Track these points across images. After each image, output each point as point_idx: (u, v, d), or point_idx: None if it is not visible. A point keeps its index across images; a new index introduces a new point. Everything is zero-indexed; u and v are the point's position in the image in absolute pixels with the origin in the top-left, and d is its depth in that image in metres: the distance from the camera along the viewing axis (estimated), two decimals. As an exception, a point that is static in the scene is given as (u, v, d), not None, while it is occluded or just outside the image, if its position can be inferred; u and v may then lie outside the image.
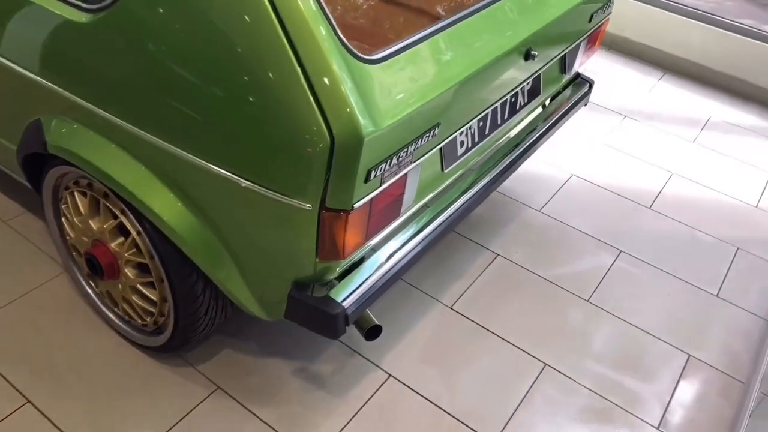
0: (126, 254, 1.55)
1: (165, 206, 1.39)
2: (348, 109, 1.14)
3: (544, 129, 2.07)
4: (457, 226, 1.94)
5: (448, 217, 1.68)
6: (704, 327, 2.07)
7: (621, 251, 2.31)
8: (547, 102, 2.15)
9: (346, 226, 1.26)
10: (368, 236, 1.37)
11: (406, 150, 1.29)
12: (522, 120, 1.96)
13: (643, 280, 2.20)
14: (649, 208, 2.54)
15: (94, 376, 1.70)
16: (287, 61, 1.13)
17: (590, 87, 2.28)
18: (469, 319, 1.98)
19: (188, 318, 1.55)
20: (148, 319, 1.66)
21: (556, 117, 2.12)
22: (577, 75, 2.28)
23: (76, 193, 1.59)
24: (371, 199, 1.29)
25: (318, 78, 1.14)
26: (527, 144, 1.98)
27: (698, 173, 2.78)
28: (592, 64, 3.49)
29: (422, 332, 1.93)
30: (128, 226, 1.50)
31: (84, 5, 1.32)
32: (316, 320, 1.40)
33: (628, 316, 2.06)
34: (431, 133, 1.36)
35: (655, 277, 2.22)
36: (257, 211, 1.30)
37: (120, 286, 1.65)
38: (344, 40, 1.19)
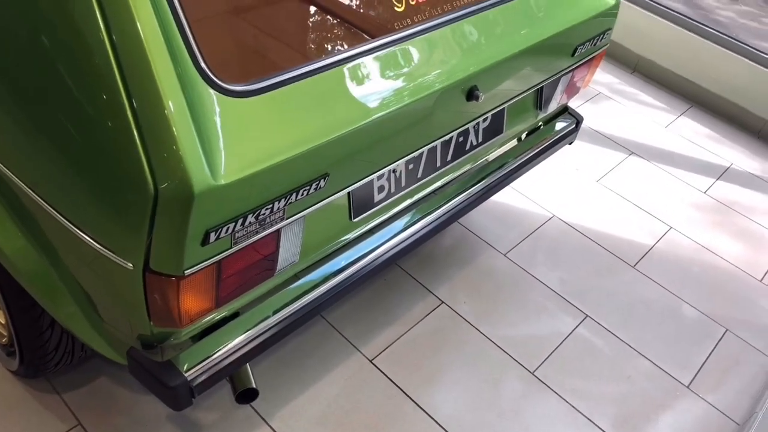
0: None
1: (3, 233, 1.18)
2: (178, 154, 0.90)
3: (513, 167, 1.79)
4: (381, 271, 1.68)
5: (364, 267, 1.43)
6: (663, 425, 1.78)
7: (586, 316, 2.02)
8: (524, 136, 1.86)
9: (179, 293, 1.02)
10: (221, 302, 1.13)
11: (270, 207, 1.04)
12: (482, 158, 1.68)
13: (603, 355, 1.92)
14: (633, 266, 2.23)
15: (-54, 391, 1.52)
16: (110, 80, 0.89)
17: (577, 125, 1.97)
18: (388, 378, 1.74)
19: (34, 351, 1.35)
20: (3, 340, 1.46)
21: (530, 155, 1.84)
22: (565, 109, 1.98)
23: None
24: (219, 262, 1.05)
25: (146, 108, 0.89)
26: (493, 180, 1.70)
27: (701, 231, 2.44)
28: (606, 86, 3.14)
29: (329, 387, 1.69)
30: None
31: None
32: (156, 388, 1.17)
33: (574, 399, 1.78)
34: (314, 186, 1.10)
35: (620, 353, 1.93)
36: (87, 257, 1.07)
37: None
38: (200, 61, 0.94)
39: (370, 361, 1.77)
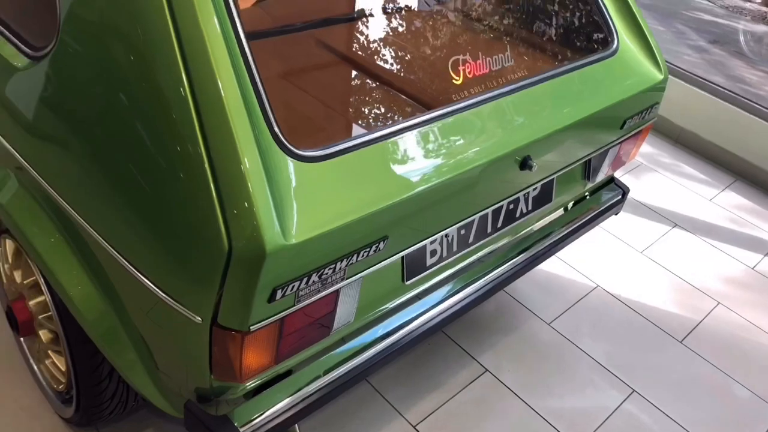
0: (40, 316, 1.41)
1: (72, 279, 1.24)
2: (253, 214, 0.95)
3: (560, 236, 1.81)
4: (430, 336, 1.69)
5: (412, 331, 1.45)
6: (716, 508, 1.70)
7: (633, 391, 1.97)
8: (570, 205, 1.88)
9: (243, 349, 1.05)
10: (280, 358, 1.15)
11: (333, 266, 1.08)
12: (529, 226, 1.71)
13: (652, 432, 1.86)
14: (680, 341, 2.18)
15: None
16: (193, 142, 0.95)
17: (623, 196, 1.99)
18: (430, 444, 1.71)
19: (91, 399, 1.38)
20: (60, 387, 1.50)
21: (576, 225, 1.85)
22: (611, 179, 2.00)
23: (6, 240, 1.47)
24: (282, 319, 1.08)
25: (226, 175, 0.95)
26: (539, 249, 1.72)
27: (750, 308, 2.39)
28: (648, 157, 3.16)
29: (372, 452, 1.67)
30: (43, 288, 1.36)
31: (26, 50, 1.21)
32: (211, 442, 1.19)
33: (622, 476, 1.73)
34: (374, 248, 1.13)
35: (668, 431, 1.87)
36: (154, 309, 1.12)
37: (37, 345, 1.50)
38: (275, 125, 1.00)
39: (414, 427, 1.75)
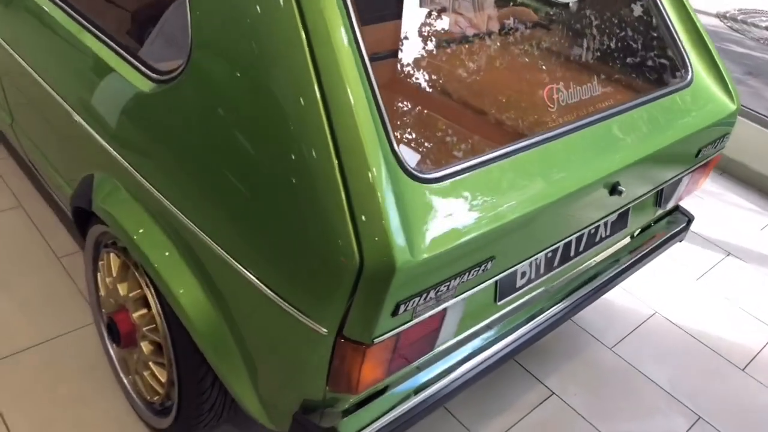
0: (144, 328, 1.47)
1: (184, 290, 1.30)
2: (385, 233, 1.00)
3: (629, 263, 1.84)
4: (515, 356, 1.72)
5: (502, 349, 1.49)
6: None
7: (699, 417, 1.98)
8: (636, 232, 1.92)
9: (363, 361, 1.10)
10: (390, 372, 1.20)
11: (447, 284, 1.13)
12: (602, 251, 1.75)
13: (721, 459, 1.87)
14: (742, 369, 2.19)
15: (92, 445, 1.61)
16: (329, 166, 1.02)
17: (689, 223, 2.03)
18: (504, 464, 1.74)
19: (191, 410, 1.43)
20: (155, 398, 1.55)
21: (645, 251, 1.89)
22: (676, 207, 2.04)
23: (112, 254, 1.54)
24: (398, 334, 1.13)
25: (358, 191, 1.01)
26: (608, 277, 1.76)
27: (808, 336, 2.40)
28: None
29: (448, 470, 1.70)
30: (150, 300, 1.42)
31: (152, 74, 1.28)
32: (319, 453, 1.23)
33: (695, 502, 1.74)
34: (482, 268, 1.19)
35: (737, 458, 1.88)
36: (272, 319, 1.17)
37: (135, 356, 1.56)
38: (398, 152, 1.06)
39: (486, 447, 1.78)
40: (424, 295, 1.10)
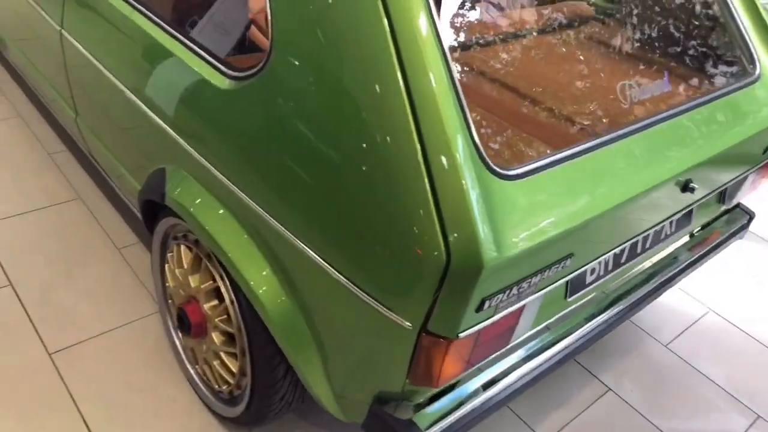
0: (216, 319, 1.50)
1: (261, 281, 1.32)
2: (472, 230, 1.01)
3: (689, 261, 1.83)
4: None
5: (566, 346, 1.49)
6: None
7: (758, 416, 1.96)
8: (696, 230, 1.90)
9: (446, 355, 1.12)
10: (468, 366, 1.21)
11: (529, 281, 1.14)
12: (664, 249, 1.74)
13: (782, 459, 1.85)
14: (800, 369, 2.16)
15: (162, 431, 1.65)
16: (415, 162, 1.03)
17: (749, 220, 2.00)
18: (564, 460, 1.74)
19: (263, 399, 1.46)
20: (224, 387, 1.59)
21: (705, 249, 1.87)
22: (737, 204, 2.01)
23: (182, 246, 1.57)
24: (480, 329, 1.14)
25: (445, 188, 1.02)
26: (669, 275, 1.75)
27: None
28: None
29: (508, 464, 1.71)
30: (224, 292, 1.45)
31: (229, 71, 1.31)
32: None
33: (758, 502, 1.72)
34: (561, 264, 1.19)
35: (799, 458, 1.86)
36: (352, 312, 1.19)
37: (204, 347, 1.59)
38: (481, 148, 1.07)
39: (545, 442, 1.78)
40: (508, 291, 1.11)
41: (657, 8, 1.78)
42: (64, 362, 1.77)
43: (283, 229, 1.24)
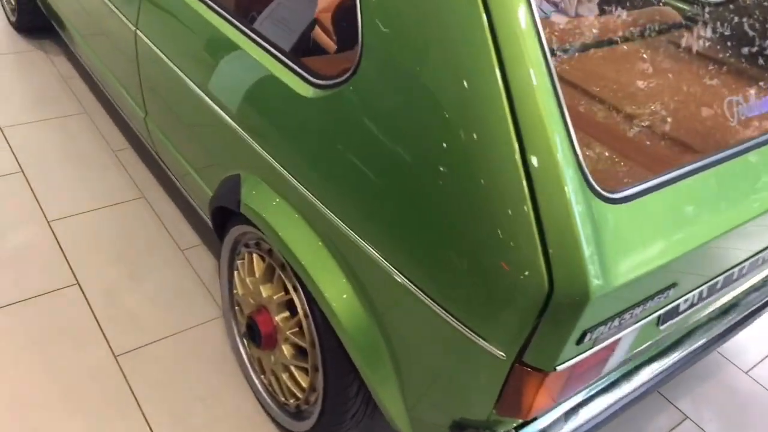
0: (288, 332, 1.46)
1: (338, 296, 1.28)
2: (578, 257, 0.94)
3: (780, 286, 1.71)
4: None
5: (653, 376, 1.41)
6: None
7: None
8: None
9: (540, 387, 1.05)
10: (560, 398, 1.14)
11: (631, 312, 1.06)
12: (757, 275, 1.63)
13: None
14: None
15: (225, 441, 1.63)
16: (518, 187, 0.96)
17: None
18: (640, 492, 1.65)
19: (334, 417, 1.42)
20: (291, 401, 1.55)
21: (797, 273, 1.75)
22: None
23: (254, 255, 1.54)
24: (576, 362, 1.07)
25: (549, 210, 0.95)
26: (761, 302, 1.64)
27: None
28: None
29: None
30: (297, 304, 1.41)
31: (314, 80, 1.26)
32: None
33: None
34: (664, 294, 1.11)
35: None
36: (438, 335, 1.13)
37: (272, 358, 1.56)
38: (584, 167, 1.00)
39: (620, 472, 1.70)
40: (609, 323, 1.03)
41: (755, 13, 1.66)
42: (129, 365, 1.77)
43: (366, 245, 1.19)
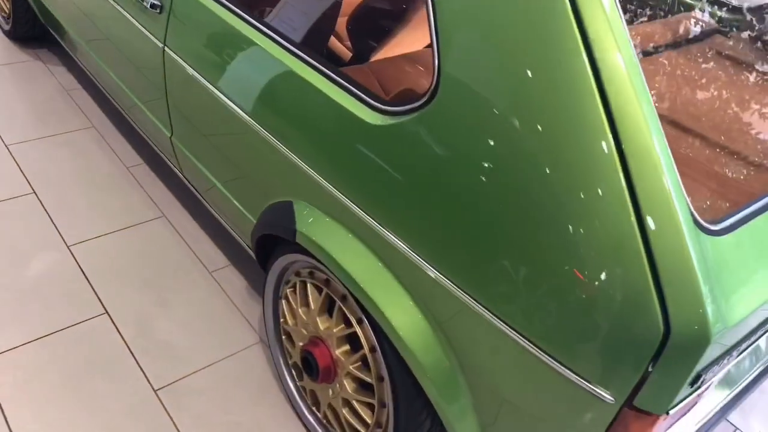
0: (350, 366, 1.39)
1: (411, 330, 1.22)
2: (696, 298, 0.89)
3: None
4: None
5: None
6: None
7: None
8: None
9: (649, 430, 1.00)
10: (664, 438, 1.10)
11: (739, 347, 1.02)
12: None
13: None
14: None
15: (279, 478, 1.56)
16: (626, 218, 0.91)
17: None
18: None
19: (403, 452, 1.36)
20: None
21: None
22: None
23: (308, 285, 1.47)
24: (686, 403, 1.02)
25: (662, 250, 0.90)
26: None
27: None
28: None
29: None
30: (362, 338, 1.35)
31: (380, 106, 1.19)
32: None
33: None
34: (766, 326, 1.07)
35: None
36: (528, 376, 1.07)
37: (330, 392, 1.50)
38: (687, 200, 0.95)
39: (681, 491, 1.66)
40: (721, 361, 0.99)
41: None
42: (170, 399, 1.69)
43: (444, 279, 1.13)
